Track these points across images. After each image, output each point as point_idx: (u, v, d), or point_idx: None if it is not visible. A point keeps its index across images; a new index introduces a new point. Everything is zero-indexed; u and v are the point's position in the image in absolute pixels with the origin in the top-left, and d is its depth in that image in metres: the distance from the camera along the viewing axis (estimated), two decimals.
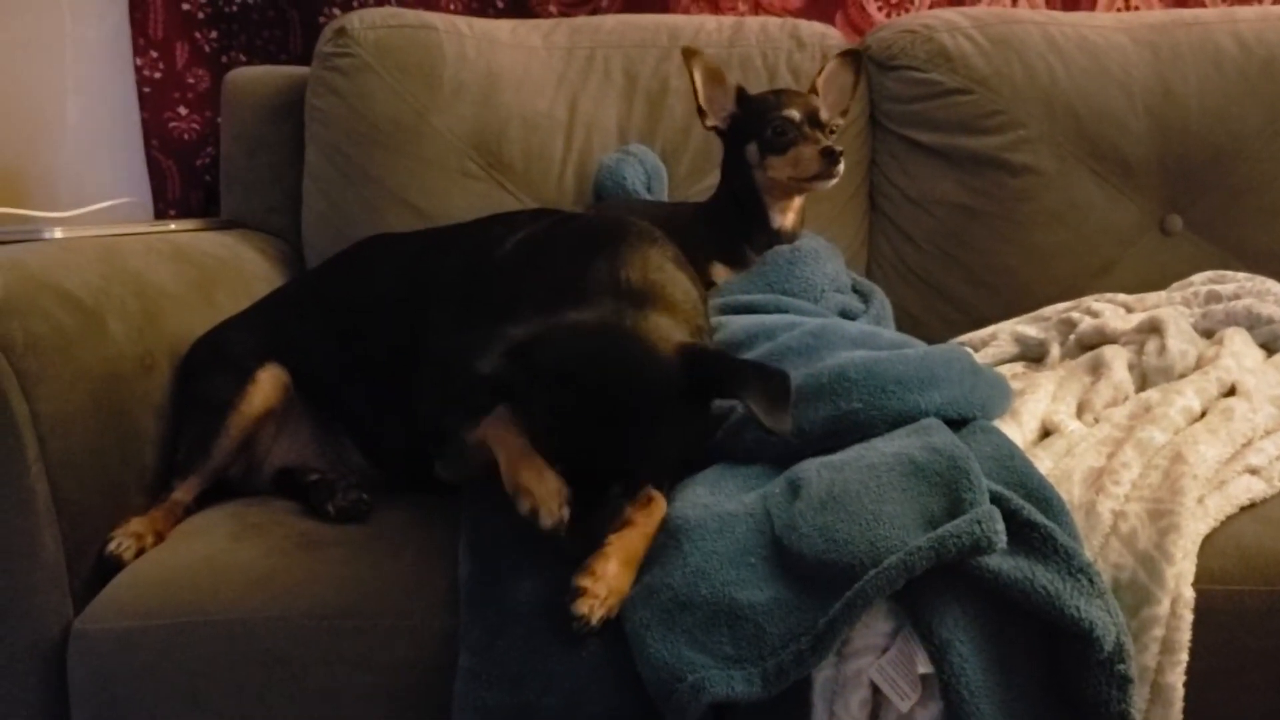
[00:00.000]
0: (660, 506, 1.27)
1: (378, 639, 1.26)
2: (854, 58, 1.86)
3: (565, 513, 1.18)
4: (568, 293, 1.27)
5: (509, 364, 1.19)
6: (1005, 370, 1.74)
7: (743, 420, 1.35)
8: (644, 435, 1.21)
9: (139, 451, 1.47)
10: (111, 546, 1.36)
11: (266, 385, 1.54)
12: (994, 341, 1.84)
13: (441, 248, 1.63)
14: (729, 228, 1.81)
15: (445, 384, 1.36)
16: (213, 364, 1.57)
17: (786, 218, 1.81)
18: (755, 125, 1.77)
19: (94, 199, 2.26)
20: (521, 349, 1.20)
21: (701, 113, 1.82)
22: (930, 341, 1.58)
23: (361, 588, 1.28)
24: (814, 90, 1.84)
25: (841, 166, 1.72)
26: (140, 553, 1.38)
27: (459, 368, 1.23)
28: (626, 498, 1.23)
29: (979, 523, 1.12)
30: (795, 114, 1.75)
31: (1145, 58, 2.12)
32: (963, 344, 1.86)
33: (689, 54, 1.80)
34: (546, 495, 1.18)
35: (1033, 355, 1.81)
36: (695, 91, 1.80)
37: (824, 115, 1.77)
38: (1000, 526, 1.13)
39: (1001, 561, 1.13)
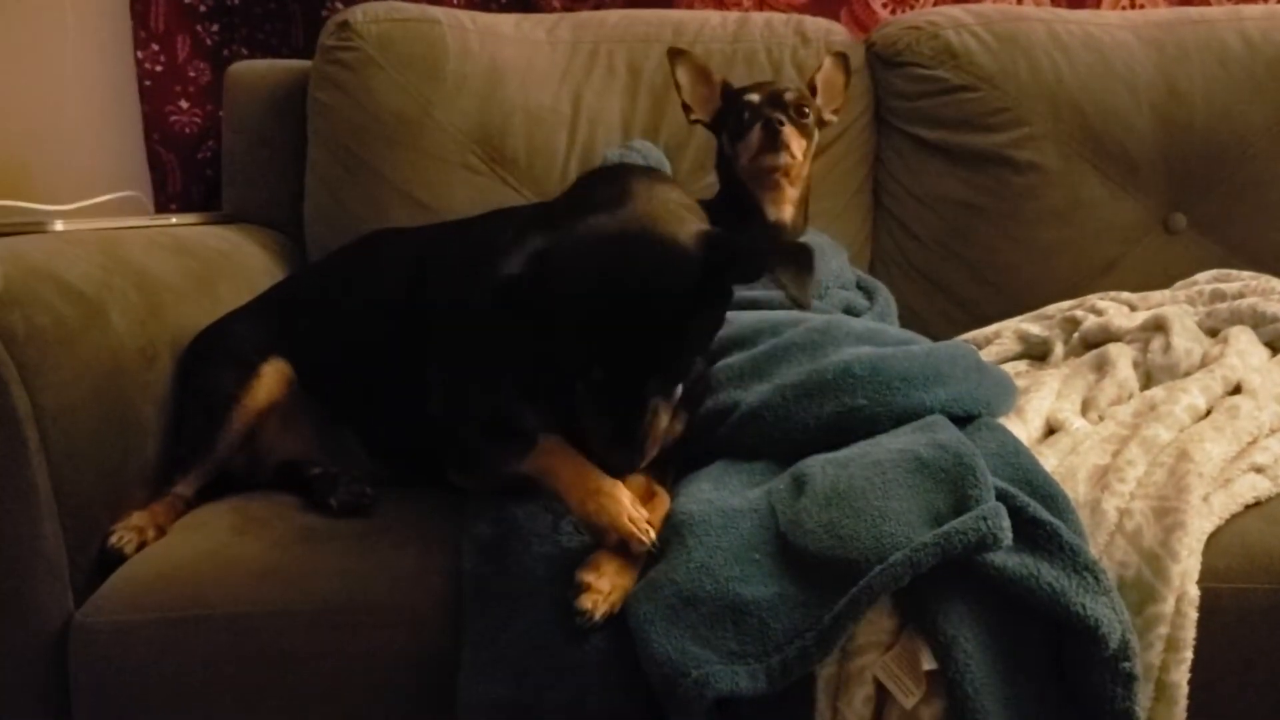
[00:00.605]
0: (664, 502, 1.27)
1: (380, 633, 1.25)
2: (842, 59, 1.89)
3: (654, 535, 1.19)
4: (582, 212, 1.26)
5: (533, 267, 1.18)
6: (1009, 368, 1.73)
7: (746, 416, 1.35)
8: (673, 325, 1.19)
9: (140, 444, 1.46)
10: (112, 540, 1.35)
11: (270, 379, 1.53)
12: (997, 339, 1.84)
13: (447, 241, 1.62)
14: (729, 224, 1.79)
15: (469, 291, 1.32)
16: (215, 357, 1.56)
17: (782, 210, 1.80)
18: (728, 116, 1.81)
19: (95, 192, 2.25)
20: (543, 254, 1.18)
21: (686, 108, 1.85)
22: (934, 339, 1.57)
23: (364, 582, 1.28)
24: (812, 85, 1.85)
25: (786, 140, 1.72)
26: (141, 546, 1.37)
27: (479, 278, 1.21)
28: (664, 397, 1.22)
29: (985, 519, 1.12)
30: (755, 98, 1.77)
31: (1151, 55, 2.12)
32: (966, 342, 1.85)
33: (674, 54, 1.84)
34: (628, 522, 1.18)
35: (1036, 353, 1.81)
36: (679, 90, 1.84)
37: (790, 97, 1.78)
38: (1006, 523, 1.13)
39: (1007, 558, 1.13)
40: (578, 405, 1.23)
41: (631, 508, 1.20)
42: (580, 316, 1.17)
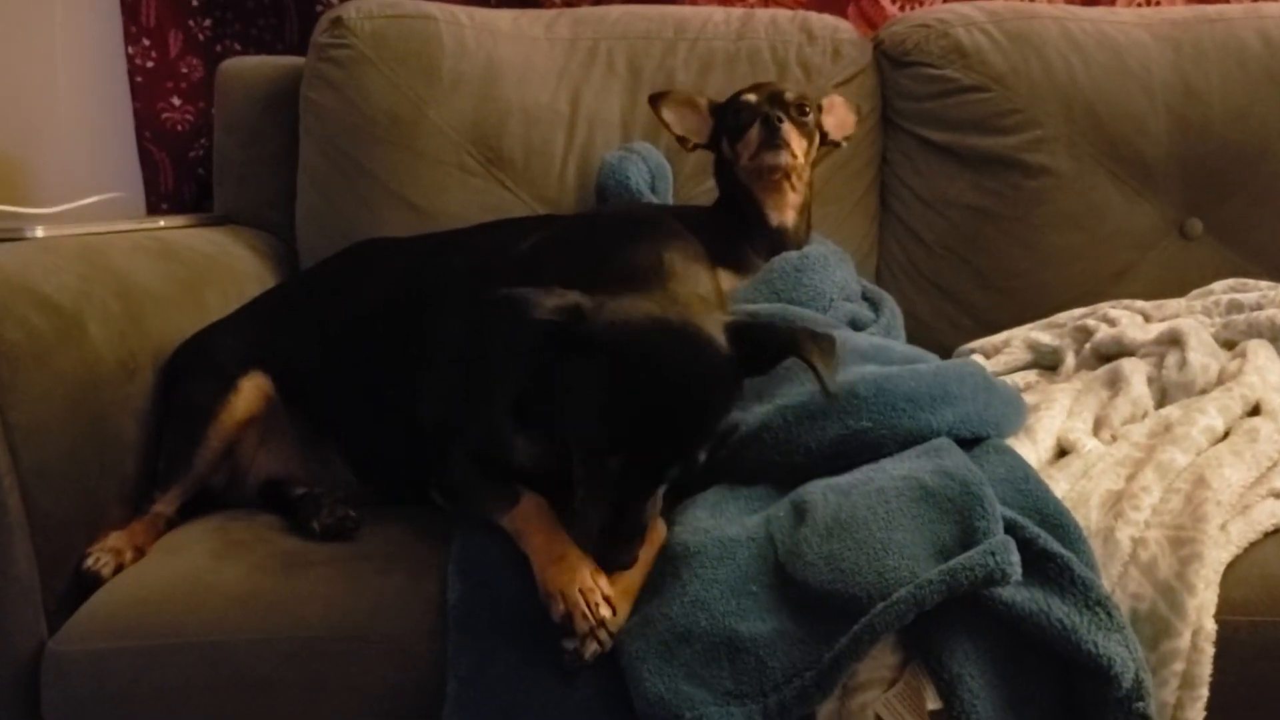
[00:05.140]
0: (659, 532, 1.22)
1: (363, 663, 1.21)
2: (854, 103, 1.87)
3: (604, 613, 1.13)
4: (612, 277, 1.23)
5: (568, 318, 1.14)
6: (1018, 378, 1.69)
7: (744, 439, 1.30)
8: (700, 422, 1.16)
9: (119, 460, 1.42)
10: (89, 562, 1.31)
11: (248, 394, 1.49)
12: (1007, 348, 1.80)
13: (443, 252, 1.58)
14: (730, 231, 1.75)
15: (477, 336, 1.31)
16: (196, 370, 1.52)
17: (785, 215, 1.75)
18: (725, 122, 1.76)
19: (85, 191, 2.21)
20: (580, 310, 1.14)
21: (681, 140, 1.81)
22: (941, 348, 1.53)
23: (347, 609, 1.23)
24: (817, 105, 1.80)
25: (786, 137, 1.66)
26: (119, 569, 1.33)
27: (500, 303, 1.17)
28: (678, 482, 1.19)
29: (993, 554, 1.08)
30: (752, 97, 1.73)
31: (1167, 55, 2.06)
32: (975, 350, 1.82)
33: (654, 99, 1.80)
34: (577, 593, 1.12)
35: (1047, 363, 1.76)
36: (667, 128, 1.81)
37: (789, 96, 1.73)
38: (1015, 558, 1.09)
39: (1016, 593, 1.10)
40: (576, 494, 1.18)
41: (589, 580, 1.14)
42: (603, 393, 1.13)
